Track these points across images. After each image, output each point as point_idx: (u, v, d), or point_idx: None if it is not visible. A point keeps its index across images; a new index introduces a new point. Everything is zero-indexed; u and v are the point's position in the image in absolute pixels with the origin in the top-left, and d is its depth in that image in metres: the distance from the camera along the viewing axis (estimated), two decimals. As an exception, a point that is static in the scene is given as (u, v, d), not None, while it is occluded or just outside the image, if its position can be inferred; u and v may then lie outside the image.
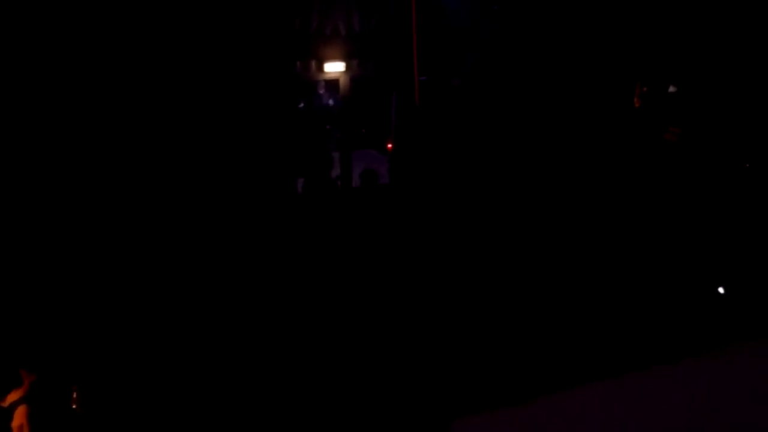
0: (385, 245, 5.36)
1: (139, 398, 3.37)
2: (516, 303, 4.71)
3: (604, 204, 5.94)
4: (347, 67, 8.39)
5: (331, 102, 9.16)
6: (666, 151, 6.11)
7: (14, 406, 2.63)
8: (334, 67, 8.30)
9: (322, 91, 9.03)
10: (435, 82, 8.73)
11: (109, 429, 3.02)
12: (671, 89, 6.01)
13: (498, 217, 5.95)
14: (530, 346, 4.18)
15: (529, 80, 7.91)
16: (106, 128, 5.17)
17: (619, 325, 4.46)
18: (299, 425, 3.48)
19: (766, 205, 5.73)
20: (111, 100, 5.18)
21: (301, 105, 9.06)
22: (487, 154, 7.39)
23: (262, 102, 6.48)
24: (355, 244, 5.34)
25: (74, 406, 2.76)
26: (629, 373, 3.80)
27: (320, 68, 8.25)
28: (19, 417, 2.60)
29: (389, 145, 9.20)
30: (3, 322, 3.60)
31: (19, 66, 4.70)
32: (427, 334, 4.27)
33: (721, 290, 4.99)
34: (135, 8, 5.26)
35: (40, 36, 4.80)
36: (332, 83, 8.67)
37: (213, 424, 3.41)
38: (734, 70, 6.85)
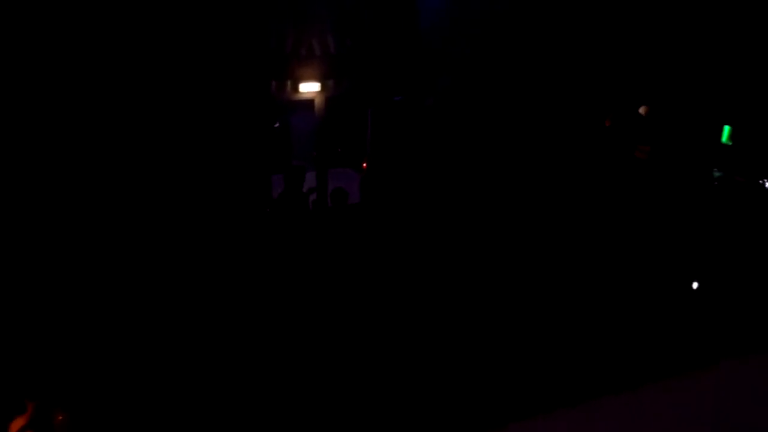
0: (357, 263, 5.35)
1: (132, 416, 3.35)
2: (488, 324, 4.72)
3: (577, 221, 6.04)
4: (322, 87, 8.43)
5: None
6: (636, 169, 6.27)
7: None
8: (310, 87, 8.34)
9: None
10: (409, 102, 8.82)
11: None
12: (642, 110, 6.19)
13: (472, 234, 6.00)
14: (503, 369, 4.18)
15: (501, 100, 8.06)
16: (75, 145, 5.08)
17: (593, 343, 4.50)
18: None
19: (734, 218, 5.90)
20: (81, 113, 5.10)
21: (277, 125, 9.05)
22: (461, 172, 7.47)
23: (237, 121, 6.45)
24: (325, 263, 5.32)
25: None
26: (612, 394, 3.86)
27: (295, 88, 8.28)
28: None
29: (365, 164, 9.23)
30: (3, 349, 3.59)
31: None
32: (401, 354, 4.26)
33: (695, 285, 5.08)
34: (107, 28, 5.22)
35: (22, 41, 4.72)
36: (308, 103, 8.70)
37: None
38: (701, 90, 7.09)
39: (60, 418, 2.74)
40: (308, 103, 8.68)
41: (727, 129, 6.65)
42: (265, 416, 3.62)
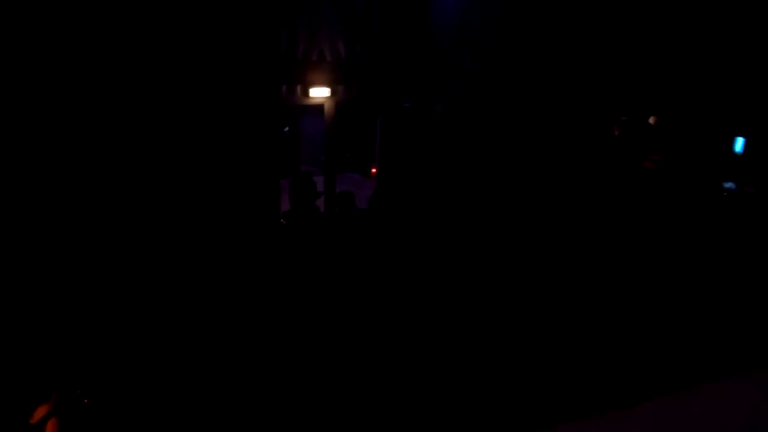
0: (364, 269, 5.36)
1: (145, 403, 3.41)
2: (494, 332, 4.71)
3: (586, 230, 6.03)
4: (332, 93, 8.46)
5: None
6: (646, 179, 6.26)
7: (44, 421, 2.72)
8: (319, 92, 8.37)
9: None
10: (418, 109, 8.84)
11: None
12: (652, 120, 6.18)
13: (480, 240, 6.00)
14: (501, 381, 4.18)
15: (510, 108, 8.07)
16: (87, 152, 5.12)
17: (598, 352, 4.48)
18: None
19: (742, 231, 5.88)
20: (89, 120, 5.14)
21: (286, 129, 9.09)
22: (470, 179, 7.47)
23: (247, 125, 6.47)
24: (335, 268, 5.33)
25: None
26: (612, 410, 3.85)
27: (305, 93, 8.30)
28: (50, 430, 2.70)
29: (373, 170, 9.25)
30: (24, 340, 3.66)
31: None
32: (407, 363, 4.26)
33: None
34: (113, 30, 5.26)
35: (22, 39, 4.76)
36: (317, 108, 8.73)
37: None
38: (712, 100, 7.08)
39: (84, 402, 2.81)
40: (318, 108, 8.71)
41: (740, 140, 6.63)
42: (272, 414, 3.64)
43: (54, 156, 4.88)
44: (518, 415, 3.77)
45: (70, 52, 4.96)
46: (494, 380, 4.13)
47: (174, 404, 3.48)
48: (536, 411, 3.80)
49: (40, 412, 2.74)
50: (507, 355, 4.40)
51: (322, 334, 4.44)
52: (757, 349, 4.48)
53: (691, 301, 5.12)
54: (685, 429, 3.66)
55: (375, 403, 3.83)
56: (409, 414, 3.78)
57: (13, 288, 4.16)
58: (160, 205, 5.34)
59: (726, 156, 6.73)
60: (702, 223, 5.99)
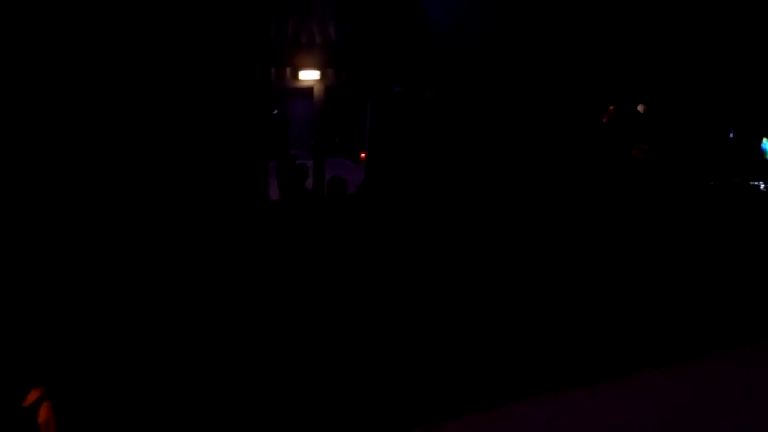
0: (354, 255, 5.37)
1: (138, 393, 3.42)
2: (479, 315, 4.75)
3: (572, 217, 6.06)
4: (322, 76, 8.38)
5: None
6: (633, 167, 6.28)
7: (37, 403, 2.76)
8: (309, 75, 8.28)
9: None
10: (409, 94, 8.81)
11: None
12: (641, 108, 6.19)
13: (468, 227, 6.01)
14: (489, 360, 4.23)
15: (500, 94, 8.05)
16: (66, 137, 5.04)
17: (584, 337, 4.54)
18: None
19: (728, 220, 5.94)
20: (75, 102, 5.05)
21: (275, 112, 8.99)
22: (459, 166, 7.47)
23: (235, 108, 6.41)
24: (323, 252, 5.33)
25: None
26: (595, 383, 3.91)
27: (295, 76, 8.22)
28: (44, 413, 2.74)
29: (362, 155, 9.21)
30: (17, 325, 3.66)
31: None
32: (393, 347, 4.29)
33: None
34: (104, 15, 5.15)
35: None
36: (306, 91, 8.65)
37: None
38: (701, 89, 7.10)
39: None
40: (307, 91, 8.63)
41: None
42: (260, 398, 3.66)
43: (38, 141, 4.81)
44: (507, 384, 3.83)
45: (53, 39, 4.87)
46: (485, 351, 4.20)
47: (166, 386, 3.49)
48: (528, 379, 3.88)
49: (33, 395, 2.76)
50: (494, 333, 4.46)
51: (309, 314, 4.45)
52: (745, 330, 4.58)
53: (675, 285, 5.19)
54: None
55: (367, 383, 3.87)
56: (403, 384, 3.82)
57: (6, 273, 4.12)
58: (147, 189, 5.29)
59: (715, 145, 6.77)
60: (689, 213, 6.04)
